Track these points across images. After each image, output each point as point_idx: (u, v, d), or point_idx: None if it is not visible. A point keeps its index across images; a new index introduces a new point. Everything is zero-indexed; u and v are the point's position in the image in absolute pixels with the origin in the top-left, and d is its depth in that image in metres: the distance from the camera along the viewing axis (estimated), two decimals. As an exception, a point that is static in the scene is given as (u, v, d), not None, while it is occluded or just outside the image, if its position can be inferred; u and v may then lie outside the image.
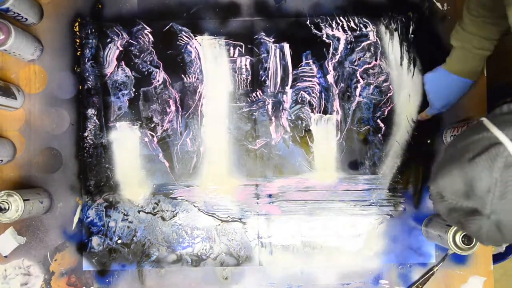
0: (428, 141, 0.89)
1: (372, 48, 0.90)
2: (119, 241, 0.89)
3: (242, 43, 0.90)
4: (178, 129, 0.89)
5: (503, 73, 0.94)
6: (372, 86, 0.90)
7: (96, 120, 0.89)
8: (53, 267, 0.88)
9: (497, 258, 1.25)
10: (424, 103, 0.88)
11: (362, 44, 0.90)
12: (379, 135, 0.90)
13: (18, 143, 0.88)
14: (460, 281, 0.88)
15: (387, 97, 0.90)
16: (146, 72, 0.90)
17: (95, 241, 0.88)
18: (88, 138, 0.89)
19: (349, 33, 0.90)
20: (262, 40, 0.90)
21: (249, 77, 0.90)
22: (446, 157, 0.52)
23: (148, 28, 0.90)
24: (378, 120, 0.90)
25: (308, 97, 0.90)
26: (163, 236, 0.89)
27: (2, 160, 0.85)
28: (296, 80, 0.90)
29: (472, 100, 0.89)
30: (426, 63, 0.89)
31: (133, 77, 0.90)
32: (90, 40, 0.90)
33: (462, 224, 0.49)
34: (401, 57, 0.90)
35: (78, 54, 0.90)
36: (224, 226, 0.89)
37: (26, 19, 0.85)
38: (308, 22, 0.90)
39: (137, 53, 0.90)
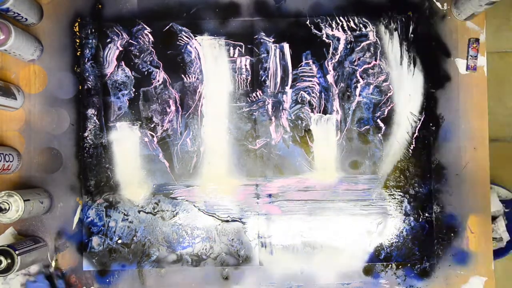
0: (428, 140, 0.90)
1: (372, 48, 0.90)
2: (119, 241, 0.89)
3: (242, 43, 0.90)
4: (178, 129, 0.89)
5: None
6: (372, 86, 0.90)
7: (96, 120, 0.89)
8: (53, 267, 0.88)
9: (498, 253, 1.25)
10: (425, 103, 0.88)
11: (362, 44, 0.90)
12: (379, 135, 0.90)
13: (18, 143, 0.89)
14: (461, 281, 0.88)
15: (387, 97, 0.90)
16: (146, 72, 0.90)
17: (95, 241, 0.88)
18: (88, 138, 0.89)
19: (349, 33, 0.90)
20: (262, 40, 0.90)
21: (249, 77, 0.90)
22: None
23: (148, 28, 0.90)
24: (378, 120, 0.90)
25: (308, 97, 0.90)
26: (163, 236, 0.89)
27: (9, 169, 0.85)
28: (296, 80, 0.90)
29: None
30: (426, 63, 0.90)
31: (133, 77, 0.90)
32: (90, 40, 0.90)
33: None
34: (401, 57, 0.90)
35: (78, 54, 0.90)
36: (224, 226, 0.89)
37: (26, 19, 0.85)
38: (308, 22, 0.90)
39: (137, 53, 0.90)
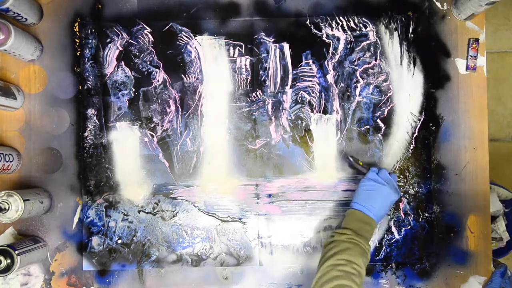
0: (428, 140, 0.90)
1: (372, 48, 0.90)
2: (119, 241, 0.89)
3: (242, 43, 0.90)
4: (178, 129, 0.89)
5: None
6: (372, 86, 0.90)
7: (96, 120, 0.89)
8: (53, 267, 0.88)
9: (498, 253, 1.25)
10: (426, 106, 0.88)
11: (362, 44, 0.90)
12: (379, 135, 0.90)
13: (18, 143, 0.89)
14: (460, 281, 0.88)
15: (387, 96, 0.90)
16: (146, 72, 0.90)
17: (95, 241, 0.88)
18: (88, 138, 0.89)
19: (349, 33, 0.90)
20: (262, 40, 0.90)
21: (249, 77, 0.90)
22: None
23: (148, 28, 0.90)
24: (378, 120, 0.90)
25: (308, 97, 0.90)
26: (163, 236, 0.89)
27: (9, 169, 0.85)
28: (296, 80, 0.90)
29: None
30: (426, 63, 0.90)
31: (133, 77, 0.90)
32: (90, 40, 0.90)
33: None
34: (401, 57, 0.90)
35: (78, 54, 0.90)
36: (224, 226, 0.89)
37: (26, 19, 0.85)
38: (308, 22, 0.90)
39: (137, 53, 0.90)
